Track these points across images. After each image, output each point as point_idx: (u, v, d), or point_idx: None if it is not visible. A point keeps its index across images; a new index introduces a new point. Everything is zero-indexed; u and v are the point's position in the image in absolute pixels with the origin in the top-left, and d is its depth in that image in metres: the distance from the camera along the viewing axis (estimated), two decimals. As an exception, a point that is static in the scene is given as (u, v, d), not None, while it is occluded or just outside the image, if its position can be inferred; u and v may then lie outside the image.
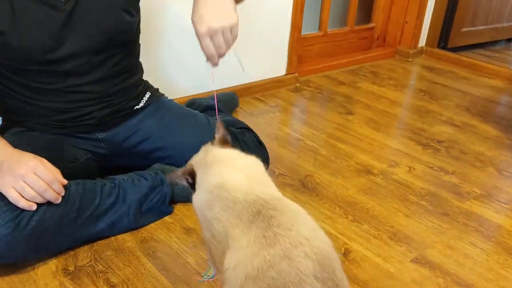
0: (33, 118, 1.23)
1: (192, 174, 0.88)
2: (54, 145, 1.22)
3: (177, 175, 0.90)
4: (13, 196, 1.02)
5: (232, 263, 0.75)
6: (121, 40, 1.24)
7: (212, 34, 1.04)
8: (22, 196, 1.03)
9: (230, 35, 1.06)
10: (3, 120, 1.30)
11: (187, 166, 0.90)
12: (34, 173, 1.04)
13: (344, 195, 1.48)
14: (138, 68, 1.38)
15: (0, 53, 1.11)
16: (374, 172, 1.62)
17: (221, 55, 1.08)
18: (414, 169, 1.66)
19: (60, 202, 1.10)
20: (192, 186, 0.88)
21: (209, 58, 1.07)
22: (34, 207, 1.05)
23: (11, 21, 1.07)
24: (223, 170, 0.85)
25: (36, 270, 1.12)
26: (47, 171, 1.06)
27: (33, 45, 1.10)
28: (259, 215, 0.77)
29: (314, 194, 1.48)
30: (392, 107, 2.18)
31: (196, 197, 0.86)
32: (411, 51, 2.84)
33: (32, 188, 1.03)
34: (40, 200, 1.05)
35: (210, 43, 1.05)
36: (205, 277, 1.11)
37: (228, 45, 1.07)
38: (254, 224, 0.76)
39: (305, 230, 0.76)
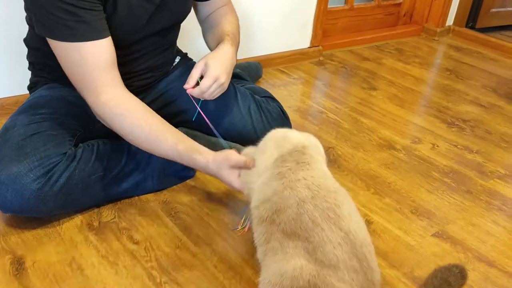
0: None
1: None
2: (85, 103, 1.23)
3: None
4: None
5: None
6: (182, 21, 1.30)
7: (215, 82, 1.15)
8: None
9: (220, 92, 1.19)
10: (34, 76, 1.30)
11: None
12: None
13: (366, 169, 1.47)
14: (176, 39, 1.39)
15: None
16: (396, 147, 1.61)
17: (205, 98, 1.18)
18: (437, 146, 1.64)
19: (89, 160, 1.12)
20: None
21: (198, 93, 1.15)
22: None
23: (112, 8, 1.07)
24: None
25: (61, 225, 1.14)
26: None
27: (117, 33, 1.10)
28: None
29: (336, 166, 1.48)
30: (417, 84, 2.15)
31: None
32: (438, 30, 2.78)
33: None
34: None
35: (212, 86, 1.15)
36: (240, 227, 1.15)
37: (215, 96, 1.19)
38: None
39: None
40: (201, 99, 1.19)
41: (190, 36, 1.63)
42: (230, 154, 1.06)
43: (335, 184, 0.92)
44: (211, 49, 1.28)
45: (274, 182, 0.91)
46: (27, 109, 1.17)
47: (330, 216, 0.83)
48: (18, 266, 1.02)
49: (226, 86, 1.20)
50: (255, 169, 0.99)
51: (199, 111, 1.21)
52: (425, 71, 2.32)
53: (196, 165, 1.10)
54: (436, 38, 2.78)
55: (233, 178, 1.06)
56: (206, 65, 1.16)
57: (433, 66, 2.41)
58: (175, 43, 1.40)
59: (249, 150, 1.07)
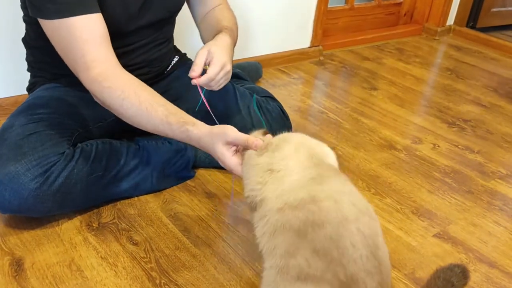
0: (70, 77, 1.23)
1: None
2: (86, 102, 1.22)
3: None
4: None
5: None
6: (175, 14, 1.29)
7: (222, 69, 1.12)
8: None
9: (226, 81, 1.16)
10: (33, 77, 1.30)
11: None
12: None
13: (366, 169, 1.47)
14: (172, 37, 1.38)
15: None
16: (397, 147, 1.60)
17: (211, 87, 1.13)
18: (438, 146, 1.63)
19: (87, 160, 1.11)
20: None
21: (206, 82, 1.11)
22: None
23: None
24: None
25: (60, 226, 1.13)
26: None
27: (110, 19, 1.09)
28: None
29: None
30: (417, 84, 2.14)
31: None
32: (438, 29, 2.77)
33: None
34: None
35: (219, 73, 1.12)
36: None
37: (220, 85, 1.15)
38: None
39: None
40: (207, 88, 1.13)
41: (188, 35, 1.62)
42: (229, 128, 0.97)
43: (370, 208, 0.81)
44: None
45: (311, 186, 0.78)
46: (26, 109, 1.16)
47: (369, 243, 0.74)
48: (17, 267, 1.01)
49: (230, 75, 1.16)
50: (263, 165, 0.85)
51: (203, 100, 1.14)
52: (426, 70, 2.31)
53: (189, 137, 1.02)
54: (437, 38, 2.77)
55: (227, 156, 0.96)
56: (209, 52, 1.12)
57: (433, 65, 2.40)
58: (171, 39, 1.39)
59: (255, 134, 0.96)
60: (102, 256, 1.06)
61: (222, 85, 1.16)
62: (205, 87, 1.13)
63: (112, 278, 1.00)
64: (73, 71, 1.06)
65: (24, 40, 1.25)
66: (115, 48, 1.08)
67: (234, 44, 1.26)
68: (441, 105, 1.95)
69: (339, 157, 1.51)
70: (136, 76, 1.27)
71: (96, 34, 1.03)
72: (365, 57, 2.40)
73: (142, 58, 1.26)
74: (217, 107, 1.33)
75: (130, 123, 1.07)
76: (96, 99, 1.08)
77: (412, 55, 2.49)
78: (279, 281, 0.75)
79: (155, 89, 1.34)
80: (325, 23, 2.34)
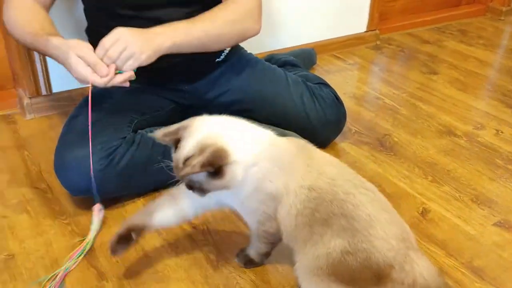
0: None
1: None
2: (143, 92, 1.29)
3: None
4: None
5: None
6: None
7: (117, 41, 1.03)
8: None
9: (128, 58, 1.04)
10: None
11: None
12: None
13: (423, 156, 1.44)
14: None
15: None
16: (457, 133, 1.55)
17: (111, 62, 1.04)
18: (502, 132, 1.56)
19: (147, 145, 1.19)
20: None
21: (102, 56, 1.03)
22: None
23: None
24: None
25: (125, 208, 1.21)
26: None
27: None
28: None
29: (392, 154, 1.45)
30: (481, 67, 2.04)
31: None
32: (504, 9, 2.61)
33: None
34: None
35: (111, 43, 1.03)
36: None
37: (121, 63, 1.04)
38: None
39: None
40: (108, 60, 1.04)
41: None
42: (85, 44, 1.05)
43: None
44: None
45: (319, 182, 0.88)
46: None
47: (357, 184, 0.89)
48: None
49: (136, 51, 1.04)
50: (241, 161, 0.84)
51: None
52: (490, 53, 2.20)
53: (47, 47, 1.09)
54: (502, 18, 2.62)
55: (81, 64, 1.01)
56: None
57: (498, 47, 2.28)
58: None
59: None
60: (164, 238, 1.12)
61: (120, 63, 1.04)
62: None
63: (174, 259, 1.07)
64: None
65: (86, 31, 1.34)
66: (143, 21, 1.13)
67: (196, 26, 1.15)
68: (505, 89, 1.85)
69: (395, 143, 1.49)
70: (184, 61, 1.26)
71: None
72: (424, 40, 2.32)
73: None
74: (270, 94, 1.36)
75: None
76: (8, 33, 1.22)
77: (475, 37, 2.37)
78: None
79: (209, 79, 1.38)
80: (382, 6, 2.27)
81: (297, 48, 1.96)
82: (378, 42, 2.26)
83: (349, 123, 1.57)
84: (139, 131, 1.24)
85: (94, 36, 1.27)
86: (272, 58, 1.76)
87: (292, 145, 0.93)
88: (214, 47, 1.25)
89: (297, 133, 1.37)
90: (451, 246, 1.10)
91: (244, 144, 0.85)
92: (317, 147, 1.45)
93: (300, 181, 0.87)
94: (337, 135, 1.47)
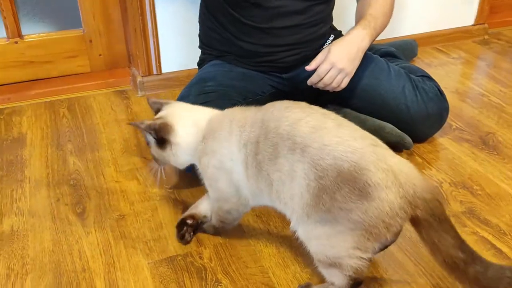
0: (234, 55, 1.38)
1: None
2: (247, 77, 1.35)
3: None
4: None
5: None
6: None
7: (333, 67, 1.22)
8: None
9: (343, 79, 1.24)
10: (202, 53, 1.48)
11: None
12: None
13: (530, 158, 1.36)
14: (331, 18, 1.43)
15: None
16: None
17: (325, 83, 1.24)
18: None
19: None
20: None
21: (315, 79, 1.24)
22: None
23: None
24: None
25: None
26: None
27: None
28: None
29: (495, 153, 1.39)
30: None
31: None
32: None
33: None
34: None
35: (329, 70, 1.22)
36: None
37: (336, 85, 1.24)
38: None
39: None
40: (314, 86, 1.27)
41: (348, 12, 1.65)
42: None
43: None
44: None
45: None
46: (198, 82, 1.35)
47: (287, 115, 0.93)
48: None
49: (349, 71, 1.24)
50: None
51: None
52: None
53: None
54: None
55: None
56: (328, 50, 1.23)
57: None
58: (327, 19, 1.41)
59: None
60: (257, 215, 1.18)
61: (341, 82, 1.25)
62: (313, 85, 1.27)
63: (265, 235, 1.13)
64: None
65: (199, 19, 1.44)
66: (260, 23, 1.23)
67: (373, 31, 1.28)
68: None
69: (499, 143, 1.42)
70: (292, 55, 1.34)
71: None
72: (540, 36, 2.15)
73: (293, 39, 1.33)
74: (370, 83, 1.36)
75: None
76: None
77: None
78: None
79: (303, 69, 1.41)
80: (493, -1, 2.15)
81: (399, 39, 1.92)
82: (486, 37, 2.14)
83: (449, 119, 1.51)
84: None
85: (208, 22, 1.36)
86: (372, 49, 1.73)
87: (226, 117, 1.02)
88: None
89: (396, 126, 1.36)
90: (556, 254, 1.04)
91: (192, 131, 1.02)
92: (415, 142, 1.44)
93: (238, 144, 0.95)
94: (437, 130, 1.43)
